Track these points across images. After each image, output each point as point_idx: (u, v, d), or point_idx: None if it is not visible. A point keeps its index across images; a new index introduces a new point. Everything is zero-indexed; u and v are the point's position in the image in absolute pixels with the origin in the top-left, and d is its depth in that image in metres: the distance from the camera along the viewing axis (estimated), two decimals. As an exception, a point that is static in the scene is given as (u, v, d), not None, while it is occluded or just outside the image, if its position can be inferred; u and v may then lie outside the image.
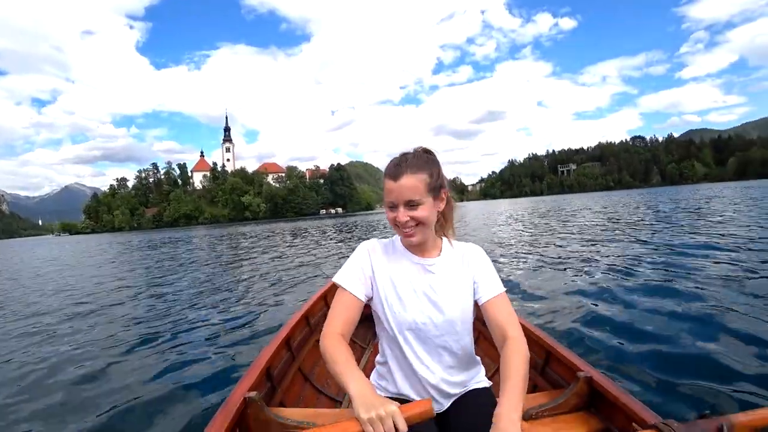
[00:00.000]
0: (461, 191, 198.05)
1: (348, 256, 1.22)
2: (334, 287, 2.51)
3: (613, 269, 5.58)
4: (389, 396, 1.13)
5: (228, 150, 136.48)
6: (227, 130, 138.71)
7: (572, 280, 5.15)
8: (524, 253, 8.03)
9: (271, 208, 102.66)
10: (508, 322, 1.06)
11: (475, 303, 1.14)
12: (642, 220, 13.01)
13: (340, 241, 14.03)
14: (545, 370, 1.70)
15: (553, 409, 1.30)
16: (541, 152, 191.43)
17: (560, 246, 8.52)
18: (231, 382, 2.59)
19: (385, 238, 1.27)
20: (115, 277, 9.44)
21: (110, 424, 2.36)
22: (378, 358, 1.24)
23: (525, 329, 1.63)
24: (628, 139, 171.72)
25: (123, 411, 2.53)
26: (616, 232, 10.01)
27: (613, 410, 1.24)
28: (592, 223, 13.52)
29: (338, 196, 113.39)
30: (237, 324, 4.21)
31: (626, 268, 5.54)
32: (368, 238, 1.25)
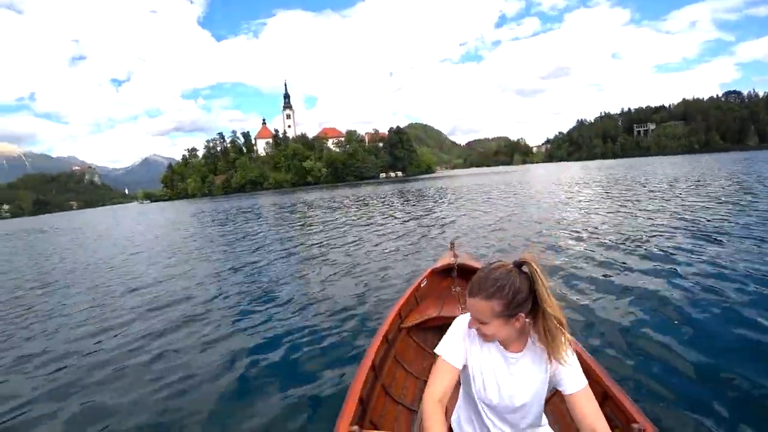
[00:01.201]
0: (525, 153, 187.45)
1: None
2: (408, 304, 2.65)
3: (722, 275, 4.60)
4: None
5: (288, 117, 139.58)
6: (287, 97, 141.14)
7: (657, 284, 4.50)
8: (593, 237, 7.42)
9: (331, 172, 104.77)
10: (596, 417, 1.17)
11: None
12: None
13: (409, 217, 13.55)
14: (603, 405, 1.67)
15: None
16: (615, 110, 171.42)
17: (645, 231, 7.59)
18: (324, 399, 2.83)
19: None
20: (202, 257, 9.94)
21: None
22: (461, 401, 1.44)
23: (583, 364, 1.61)
24: (720, 95, 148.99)
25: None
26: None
27: None
28: (688, 197, 11.84)
29: (398, 159, 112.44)
30: (323, 328, 4.22)
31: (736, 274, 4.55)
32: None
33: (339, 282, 5.88)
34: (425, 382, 2.38)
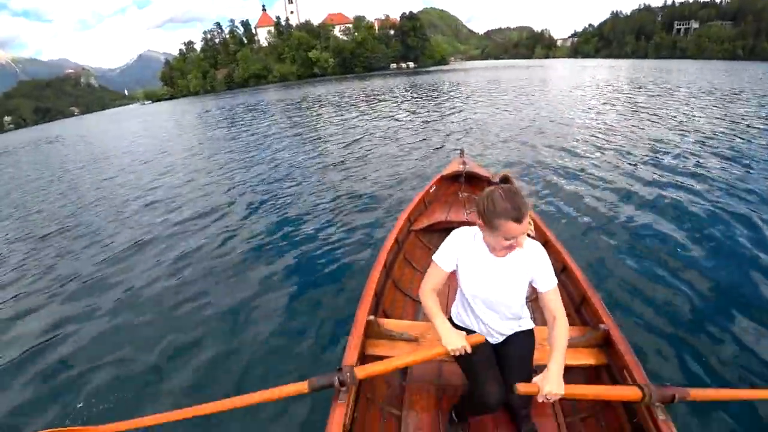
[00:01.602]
0: (548, 47, 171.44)
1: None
2: (417, 209, 3.34)
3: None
4: (463, 326, 1.70)
5: (291, 2, 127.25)
6: None
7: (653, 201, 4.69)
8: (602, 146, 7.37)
9: (339, 62, 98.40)
10: (557, 309, 1.53)
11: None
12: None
13: (419, 118, 13.27)
14: (580, 309, 2.21)
15: (579, 343, 1.85)
16: (656, 3, 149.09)
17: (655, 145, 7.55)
18: (341, 291, 3.33)
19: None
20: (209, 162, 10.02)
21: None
22: (458, 296, 1.75)
23: (569, 268, 2.30)
24: None
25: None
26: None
27: (616, 357, 1.73)
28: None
29: (410, 48, 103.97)
30: (342, 225, 4.69)
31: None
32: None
33: (352, 186, 6.17)
34: None
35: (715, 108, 11.14)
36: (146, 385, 2.60)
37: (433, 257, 1.65)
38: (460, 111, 13.94)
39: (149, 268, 4.19)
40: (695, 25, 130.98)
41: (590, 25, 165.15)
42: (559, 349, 1.44)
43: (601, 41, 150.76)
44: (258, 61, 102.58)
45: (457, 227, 1.66)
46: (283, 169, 7.64)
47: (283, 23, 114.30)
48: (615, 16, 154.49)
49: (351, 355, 1.75)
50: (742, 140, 7.08)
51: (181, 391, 2.50)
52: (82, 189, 8.76)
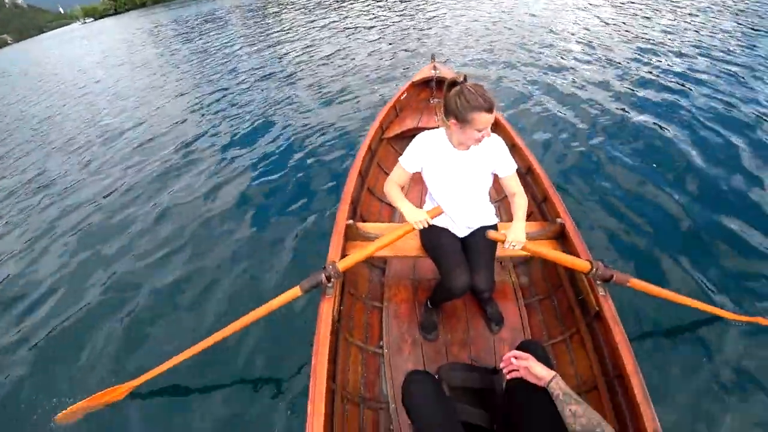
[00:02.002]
0: None
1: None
2: (388, 116, 3.46)
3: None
4: (433, 224, 1.80)
5: None
6: None
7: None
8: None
9: None
10: (517, 188, 1.76)
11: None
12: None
13: (390, 21, 12.34)
14: (542, 206, 2.43)
15: (539, 235, 2.10)
16: None
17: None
18: (322, 199, 3.44)
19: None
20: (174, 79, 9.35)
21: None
22: (427, 199, 1.95)
23: (533, 169, 2.50)
24: None
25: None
26: None
27: (571, 246, 1.97)
28: None
29: None
30: (316, 141, 4.65)
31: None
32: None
33: (324, 96, 6.03)
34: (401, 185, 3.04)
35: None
36: (150, 331, 2.56)
37: (399, 159, 1.78)
38: (434, 13, 12.95)
39: (113, 200, 4.13)
40: None
41: None
42: (520, 211, 1.71)
43: None
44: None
45: None
46: (250, 84, 7.25)
47: None
48: None
49: (334, 254, 1.94)
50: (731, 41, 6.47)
51: (187, 327, 2.53)
52: (28, 127, 8.14)
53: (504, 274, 2.33)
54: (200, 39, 15.03)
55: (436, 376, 1.45)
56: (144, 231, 3.58)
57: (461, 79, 1.56)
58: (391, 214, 2.86)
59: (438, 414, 1.23)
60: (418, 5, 14.77)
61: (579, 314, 1.93)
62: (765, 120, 3.98)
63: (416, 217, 1.65)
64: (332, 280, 1.74)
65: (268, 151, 4.55)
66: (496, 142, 1.72)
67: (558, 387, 1.16)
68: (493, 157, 1.72)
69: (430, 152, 1.73)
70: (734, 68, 5.20)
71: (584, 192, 3.26)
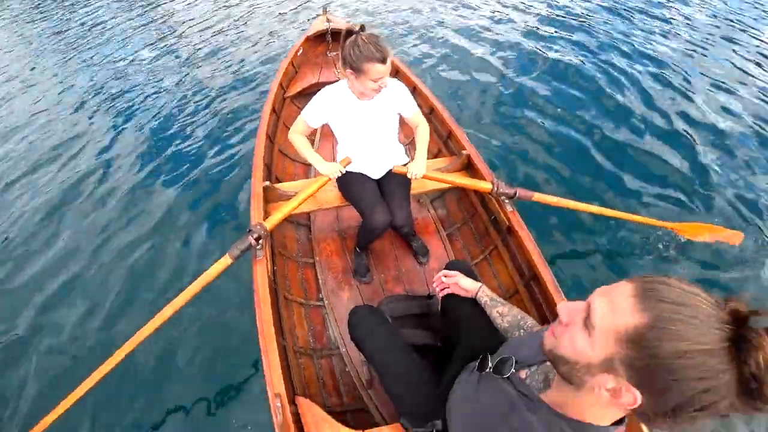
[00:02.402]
0: None
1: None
2: (287, 75, 3.37)
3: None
4: (350, 170, 1.90)
5: None
6: None
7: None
8: None
9: None
10: (419, 121, 1.89)
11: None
12: None
13: None
14: (447, 142, 2.58)
15: (447, 168, 2.23)
16: None
17: None
18: (233, 167, 3.34)
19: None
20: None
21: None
22: (338, 149, 2.00)
23: (436, 109, 2.61)
24: None
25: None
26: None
27: (474, 172, 2.16)
28: None
29: None
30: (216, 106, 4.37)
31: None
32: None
33: (218, 64, 5.50)
34: (311, 140, 2.97)
35: None
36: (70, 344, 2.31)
37: (301, 113, 1.81)
38: None
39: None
40: None
41: None
42: (422, 143, 1.85)
43: None
44: None
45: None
46: (131, 61, 6.37)
47: None
48: None
49: (256, 216, 1.92)
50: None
51: (114, 327, 2.35)
52: None
53: (423, 210, 2.50)
54: (55, 15, 11.98)
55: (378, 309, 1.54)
56: (36, 227, 3.15)
57: (357, 29, 1.57)
58: (306, 171, 2.86)
59: (387, 338, 1.32)
60: None
61: (494, 233, 2.15)
62: (660, 49, 4.58)
63: (330, 168, 1.76)
64: (261, 240, 1.71)
65: (168, 126, 4.15)
66: (397, 85, 1.80)
67: (484, 294, 1.31)
68: (395, 100, 1.81)
69: (334, 106, 1.77)
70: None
71: (489, 124, 3.56)
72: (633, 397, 0.57)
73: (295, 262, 2.23)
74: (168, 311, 1.63)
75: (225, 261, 1.67)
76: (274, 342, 1.45)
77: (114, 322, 2.36)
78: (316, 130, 2.29)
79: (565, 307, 0.67)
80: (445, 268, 1.46)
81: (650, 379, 0.54)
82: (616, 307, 0.58)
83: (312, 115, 1.80)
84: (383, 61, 1.51)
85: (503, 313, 1.23)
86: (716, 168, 3.03)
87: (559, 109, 3.65)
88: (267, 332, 1.48)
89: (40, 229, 3.11)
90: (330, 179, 1.79)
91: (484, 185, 1.90)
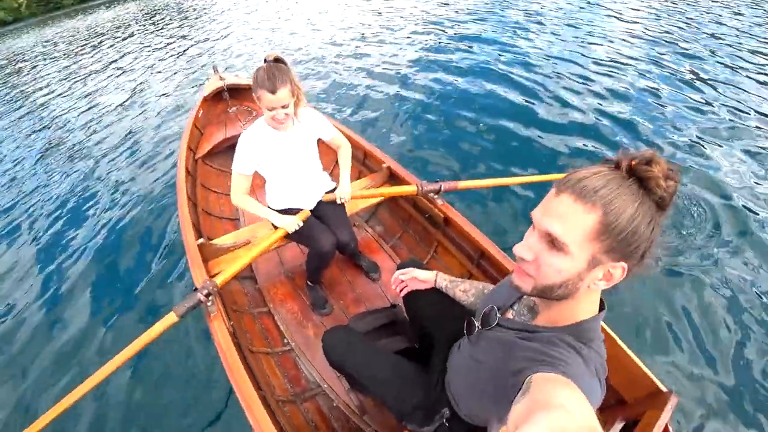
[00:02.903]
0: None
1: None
2: (194, 137, 3.32)
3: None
4: (283, 208, 1.96)
5: None
6: None
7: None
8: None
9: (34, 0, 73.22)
10: (340, 142, 1.99)
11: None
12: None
13: (166, 49, 11.33)
14: (365, 161, 2.76)
15: (372, 185, 2.35)
16: None
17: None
18: (157, 238, 3.23)
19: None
20: None
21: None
22: (267, 187, 1.99)
23: (351, 138, 2.70)
24: None
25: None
26: None
27: (398, 181, 2.28)
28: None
29: None
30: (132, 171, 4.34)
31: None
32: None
33: (120, 142, 5.32)
34: None
35: None
36: None
37: (233, 167, 1.79)
38: (210, 30, 12.40)
39: None
40: None
41: None
42: (345, 166, 1.97)
43: None
44: None
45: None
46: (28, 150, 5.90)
47: None
48: None
49: (199, 274, 1.83)
50: None
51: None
52: None
53: (361, 231, 2.59)
54: None
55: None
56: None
57: (270, 59, 1.63)
58: (235, 225, 2.81)
59: (365, 351, 1.30)
60: (191, 29, 13.87)
61: (433, 230, 2.27)
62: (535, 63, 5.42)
63: (289, 222, 1.81)
64: (211, 296, 1.62)
65: (85, 210, 3.93)
66: (311, 113, 1.88)
67: (443, 279, 1.36)
68: (312, 127, 1.88)
69: (257, 144, 1.76)
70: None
71: (399, 139, 4.02)
72: (622, 269, 0.68)
73: (250, 314, 2.15)
74: (107, 369, 1.43)
75: (170, 317, 1.53)
76: (254, 394, 1.37)
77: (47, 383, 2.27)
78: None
79: (523, 247, 0.72)
80: (396, 270, 1.48)
81: (626, 247, 0.65)
82: (569, 218, 0.66)
83: (242, 163, 1.77)
84: (272, 91, 1.56)
85: (466, 290, 1.28)
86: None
87: (460, 118, 4.25)
88: (244, 387, 1.38)
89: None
90: (286, 233, 1.82)
91: (409, 189, 2.03)
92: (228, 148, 3.38)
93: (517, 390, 0.66)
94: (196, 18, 16.63)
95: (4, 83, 12.29)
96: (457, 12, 8.22)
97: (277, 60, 1.63)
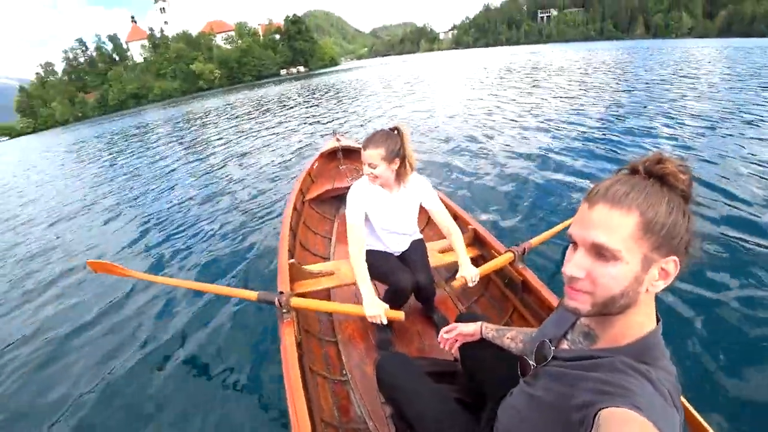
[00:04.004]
0: (432, 40, 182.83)
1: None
2: (306, 182, 4.00)
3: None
4: (374, 249, 2.10)
5: (163, 10, 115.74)
6: None
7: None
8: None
9: (225, 73, 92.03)
10: (449, 223, 2.06)
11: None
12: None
13: (307, 115, 13.94)
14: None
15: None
16: None
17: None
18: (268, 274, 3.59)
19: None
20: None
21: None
22: (367, 234, 2.09)
23: (441, 200, 2.74)
24: None
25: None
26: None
27: (486, 245, 2.36)
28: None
29: (298, 52, 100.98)
30: (252, 218, 5.03)
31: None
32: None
33: (248, 180, 6.71)
34: (329, 239, 3.45)
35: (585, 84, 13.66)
36: None
37: (347, 219, 1.97)
38: (346, 105, 14.97)
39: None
40: (555, 12, 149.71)
41: (467, 17, 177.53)
42: (462, 249, 1.98)
43: (477, 32, 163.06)
44: (134, 80, 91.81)
45: (345, 192, 2.09)
46: (179, 188, 7.16)
47: (158, 35, 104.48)
48: (487, 8, 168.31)
49: (283, 284, 2.06)
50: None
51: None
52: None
53: (440, 288, 2.56)
54: (123, 151, 13.95)
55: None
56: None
57: (391, 126, 1.92)
58: (326, 254, 3.14)
59: (420, 382, 1.25)
60: (330, 102, 16.85)
61: (511, 294, 2.18)
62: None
63: (374, 310, 1.67)
64: (284, 309, 1.80)
65: (212, 234, 4.72)
66: (421, 180, 2.09)
67: (488, 329, 1.29)
68: (418, 191, 2.06)
69: (366, 197, 1.99)
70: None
71: (479, 203, 4.45)
72: (674, 263, 0.68)
73: (318, 339, 2.23)
74: (196, 285, 2.20)
75: (251, 294, 1.87)
76: (304, 403, 1.40)
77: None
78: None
79: (572, 266, 0.71)
80: (455, 322, 1.43)
81: (670, 241, 0.67)
82: (611, 225, 0.67)
83: (354, 212, 1.96)
84: (365, 148, 1.85)
85: (514, 337, 1.21)
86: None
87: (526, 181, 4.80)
88: (299, 406, 1.40)
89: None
90: (364, 315, 1.70)
91: (507, 257, 2.04)
92: (333, 198, 3.87)
93: (585, 427, 0.63)
94: (343, 95, 19.62)
95: (195, 129, 16.50)
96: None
97: (394, 129, 1.91)
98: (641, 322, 0.72)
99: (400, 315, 1.66)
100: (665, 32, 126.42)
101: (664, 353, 0.72)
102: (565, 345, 0.87)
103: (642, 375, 0.66)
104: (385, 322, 1.68)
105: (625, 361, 0.69)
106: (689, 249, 0.69)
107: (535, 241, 2.17)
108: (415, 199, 2.07)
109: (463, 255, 1.94)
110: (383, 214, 2.03)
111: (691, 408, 1.19)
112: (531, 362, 0.90)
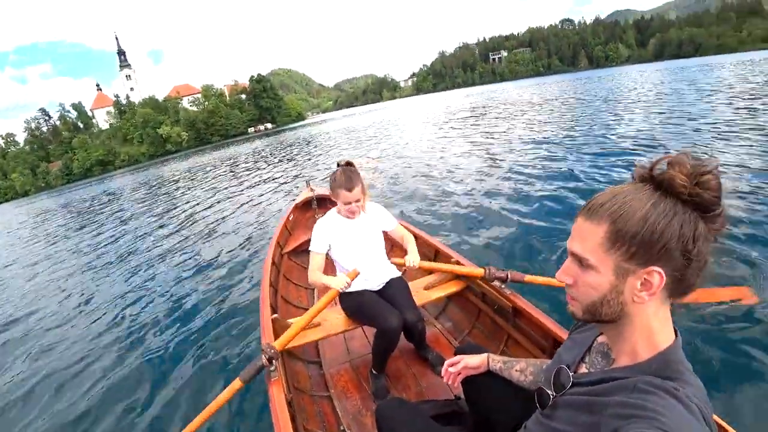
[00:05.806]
0: (393, 88, 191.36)
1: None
2: (282, 235, 3.89)
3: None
4: (351, 291, 2.07)
5: (129, 77, 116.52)
6: (122, 54, 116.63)
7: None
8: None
9: (193, 135, 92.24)
10: (403, 232, 2.27)
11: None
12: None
13: (275, 170, 14.23)
14: (435, 259, 2.80)
15: (440, 280, 2.37)
16: (472, 40, 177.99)
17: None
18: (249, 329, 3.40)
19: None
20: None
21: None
22: (338, 271, 2.20)
23: (419, 236, 2.90)
24: (558, 23, 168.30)
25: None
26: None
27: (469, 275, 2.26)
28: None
29: (264, 110, 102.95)
30: (229, 271, 4.93)
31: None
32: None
33: (223, 238, 6.52)
34: (311, 290, 3.35)
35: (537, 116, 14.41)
36: None
37: (311, 247, 2.11)
38: (313, 156, 15.53)
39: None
40: (504, 53, 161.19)
41: (424, 65, 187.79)
42: (410, 245, 2.16)
43: (435, 77, 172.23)
44: (100, 147, 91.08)
45: None
46: (149, 251, 6.90)
47: (124, 101, 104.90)
48: (442, 55, 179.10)
49: (268, 341, 1.91)
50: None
51: None
52: None
53: (429, 326, 2.51)
54: (88, 219, 13.64)
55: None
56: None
57: (343, 162, 2.06)
58: (310, 305, 2.97)
59: (426, 429, 1.20)
60: (298, 155, 17.25)
61: (502, 322, 2.14)
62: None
63: (338, 282, 1.90)
64: (274, 361, 1.70)
65: (181, 302, 4.39)
66: (377, 207, 2.24)
67: (495, 361, 1.23)
68: (377, 218, 2.21)
69: (330, 229, 2.11)
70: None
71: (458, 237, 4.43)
72: (658, 274, 0.64)
73: (311, 396, 2.11)
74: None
75: (235, 384, 1.69)
76: None
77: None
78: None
79: (561, 272, 0.75)
80: (454, 354, 1.38)
81: (648, 249, 0.64)
82: (584, 236, 0.70)
83: (317, 243, 2.10)
84: (350, 189, 1.96)
85: (523, 369, 1.16)
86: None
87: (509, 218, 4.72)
88: None
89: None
90: (338, 292, 1.89)
91: (476, 270, 2.11)
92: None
93: None
94: (312, 147, 20.26)
95: (166, 191, 16.44)
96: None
97: (348, 164, 2.07)
98: (655, 334, 0.69)
99: (355, 271, 1.85)
100: (606, 62, 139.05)
101: (688, 367, 0.68)
102: (583, 368, 0.84)
103: (668, 393, 0.62)
104: (349, 281, 1.85)
105: (648, 381, 0.65)
106: (691, 259, 0.63)
107: (534, 278, 2.08)
108: (375, 219, 2.20)
109: (411, 247, 2.15)
110: (350, 240, 2.11)
111: (725, 424, 1.09)
112: (550, 391, 0.85)
